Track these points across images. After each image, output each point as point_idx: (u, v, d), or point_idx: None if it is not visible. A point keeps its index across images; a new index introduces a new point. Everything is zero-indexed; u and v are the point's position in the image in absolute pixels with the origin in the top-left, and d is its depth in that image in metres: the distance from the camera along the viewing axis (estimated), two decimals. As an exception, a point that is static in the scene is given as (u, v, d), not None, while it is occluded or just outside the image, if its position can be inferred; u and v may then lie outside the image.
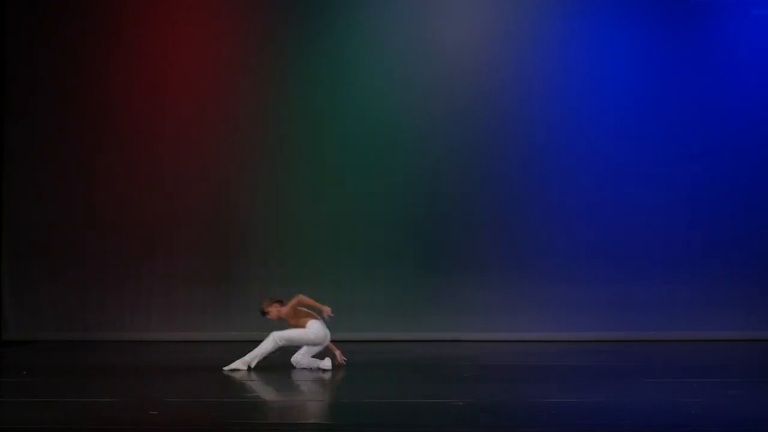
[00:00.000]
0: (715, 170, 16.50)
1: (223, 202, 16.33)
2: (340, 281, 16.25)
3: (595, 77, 16.50)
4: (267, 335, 12.63)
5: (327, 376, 12.37)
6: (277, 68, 16.45)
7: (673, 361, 14.08)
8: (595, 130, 16.46)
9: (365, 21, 16.51)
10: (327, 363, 12.75)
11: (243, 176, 16.36)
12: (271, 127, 16.45)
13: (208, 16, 16.53)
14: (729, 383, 11.56)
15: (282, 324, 12.78)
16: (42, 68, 16.29)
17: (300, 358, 12.77)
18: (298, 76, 16.46)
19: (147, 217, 16.29)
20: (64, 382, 11.76)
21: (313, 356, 12.85)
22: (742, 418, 9.51)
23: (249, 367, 12.55)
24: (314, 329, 12.66)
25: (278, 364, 12.78)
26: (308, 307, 12.70)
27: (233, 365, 12.57)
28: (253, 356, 12.59)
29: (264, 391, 11.61)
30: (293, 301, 12.67)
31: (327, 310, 12.63)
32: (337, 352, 12.96)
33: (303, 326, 12.68)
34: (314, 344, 12.73)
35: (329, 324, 12.79)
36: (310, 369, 12.69)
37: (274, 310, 12.76)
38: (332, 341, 13.00)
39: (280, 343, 12.59)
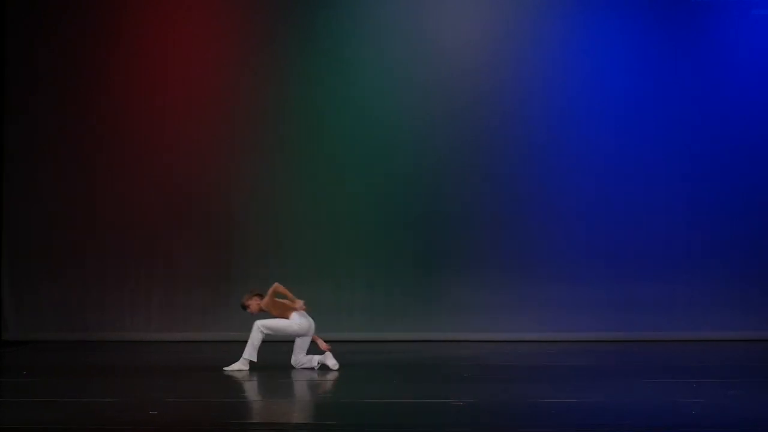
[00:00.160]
0: (715, 170, 16.50)
1: (224, 202, 16.34)
2: (340, 281, 16.26)
3: (595, 77, 16.50)
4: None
5: (330, 374, 12.37)
6: (277, 68, 16.45)
7: (673, 361, 14.09)
8: (595, 130, 16.46)
9: (365, 21, 16.51)
10: (331, 360, 12.73)
11: (243, 176, 16.36)
12: (271, 127, 16.45)
13: (208, 16, 16.53)
14: (729, 383, 11.56)
15: (265, 316, 12.77)
16: (42, 68, 16.29)
17: (299, 358, 12.76)
18: (298, 76, 16.46)
19: (147, 217, 16.30)
20: (65, 382, 11.77)
21: (310, 354, 12.84)
22: (743, 418, 9.52)
23: (250, 363, 12.55)
24: (297, 320, 12.64)
25: (279, 364, 12.78)
26: (282, 296, 12.67)
27: (233, 366, 12.57)
28: (249, 351, 12.59)
29: (264, 391, 11.62)
30: (270, 291, 12.64)
31: (300, 303, 12.62)
32: (320, 342, 12.90)
33: (287, 317, 12.67)
34: (298, 335, 12.68)
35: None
36: (312, 368, 12.68)
37: (254, 304, 12.76)
38: (335, 341, 12.99)
39: (265, 331, 12.59)
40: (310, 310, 12.71)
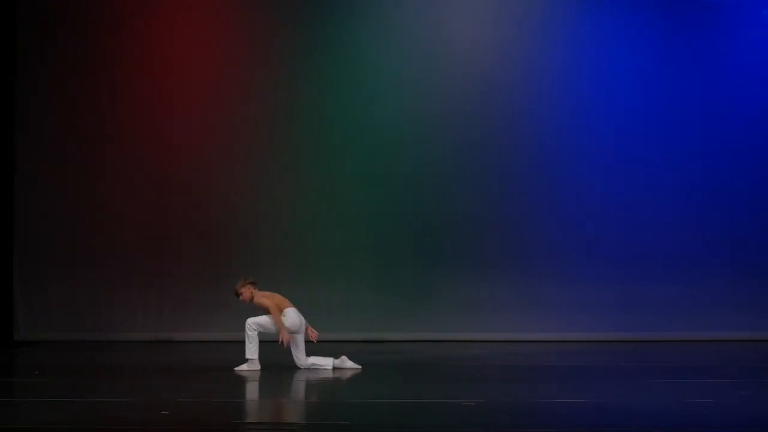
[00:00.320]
0: (721, 170, 16.47)
1: (232, 203, 16.35)
2: (345, 281, 16.27)
3: (604, 78, 16.49)
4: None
5: (339, 374, 12.39)
6: (285, 69, 16.46)
7: (679, 362, 14.09)
8: (603, 131, 16.45)
9: (373, 21, 16.51)
10: (348, 362, 12.73)
11: (250, 177, 16.37)
12: (278, 128, 16.46)
13: (215, 17, 16.55)
14: (739, 383, 11.56)
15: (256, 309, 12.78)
16: (52, 72, 16.33)
17: (301, 358, 12.71)
18: (304, 76, 16.47)
19: (156, 218, 16.32)
20: (75, 382, 11.79)
21: (309, 354, 12.84)
22: (754, 418, 9.51)
23: (258, 362, 12.56)
24: (289, 317, 12.65)
25: (289, 365, 12.79)
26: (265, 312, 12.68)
27: (244, 367, 12.58)
28: (250, 351, 12.58)
29: (275, 390, 11.63)
30: (267, 302, 12.63)
31: (285, 336, 12.55)
32: (309, 330, 12.90)
33: (280, 313, 12.66)
34: (290, 332, 12.68)
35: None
36: (323, 368, 12.67)
37: (247, 292, 12.74)
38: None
39: (256, 329, 12.58)
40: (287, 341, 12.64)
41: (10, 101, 16.29)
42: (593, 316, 16.17)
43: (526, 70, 16.52)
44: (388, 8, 16.53)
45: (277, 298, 12.77)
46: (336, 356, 12.81)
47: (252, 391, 11.62)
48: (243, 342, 12.61)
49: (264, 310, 12.66)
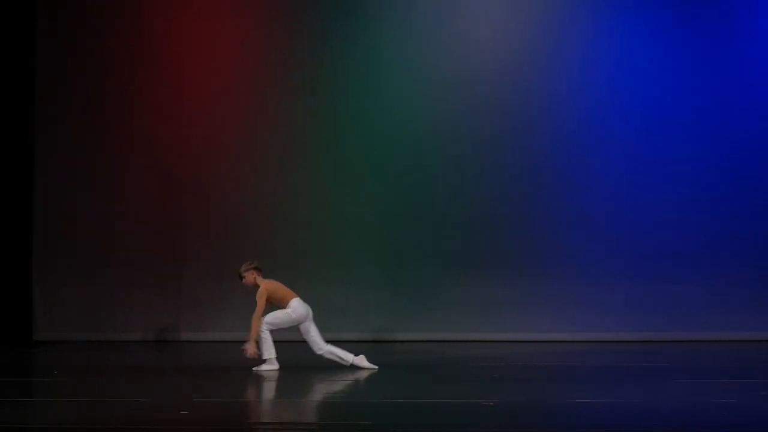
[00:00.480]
0: (739, 169, 16.40)
1: (248, 203, 16.36)
2: (361, 281, 16.27)
3: (620, 78, 16.44)
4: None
5: (357, 374, 12.39)
6: (300, 68, 16.45)
7: (699, 362, 14.08)
8: (619, 130, 16.40)
9: (388, 20, 16.49)
10: (365, 362, 12.75)
11: (267, 178, 16.38)
12: (294, 129, 16.45)
13: (231, 17, 16.57)
14: (757, 384, 11.52)
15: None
16: (71, 73, 16.36)
17: (320, 343, 12.71)
18: (320, 76, 16.47)
19: (175, 218, 16.35)
20: (94, 382, 11.82)
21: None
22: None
23: (276, 362, 12.58)
24: (295, 308, 12.65)
25: (307, 364, 12.81)
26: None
27: (262, 367, 12.60)
28: (267, 350, 12.61)
29: (293, 390, 11.64)
30: (260, 302, 12.61)
31: (251, 348, 12.56)
32: None
33: (284, 306, 12.68)
34: (298, 323, 12.69)
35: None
36: (341, 360, 12.68)
37: (251, 277, 12.78)
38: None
39: (267, 328, 12.60)
40: (253, 353, 12.62)
41: (29, 102, 16.33)
42: (609, 315, 16.14)
43: (541, 70, 16.48)
44: (405, 7, 16.51)
45: (281, 288, 12.78)
46: (356, 354, 12.82)
47: (270, 391, 11.64)
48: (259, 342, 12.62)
49: (274, 301, 12.67)
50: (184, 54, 16.43)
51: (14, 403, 10.39)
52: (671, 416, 9.59)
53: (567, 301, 16.19)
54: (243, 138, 16.45)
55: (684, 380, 11.94)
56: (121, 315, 16.24)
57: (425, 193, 16.41)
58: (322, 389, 11.80)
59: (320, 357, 12.73)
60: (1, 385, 11.61)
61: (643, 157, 16.41)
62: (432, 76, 16.42)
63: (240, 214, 16.37)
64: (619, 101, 16.45)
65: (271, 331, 12.63)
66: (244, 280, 12.82)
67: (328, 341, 12.81)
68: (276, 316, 12.66)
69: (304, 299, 12.78)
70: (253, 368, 12.59)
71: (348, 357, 12.75)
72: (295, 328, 12.74)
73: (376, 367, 12.69)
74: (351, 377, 12.26)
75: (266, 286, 12.74)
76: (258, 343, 12.59)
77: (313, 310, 12.83)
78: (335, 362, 12.71)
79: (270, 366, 12.59)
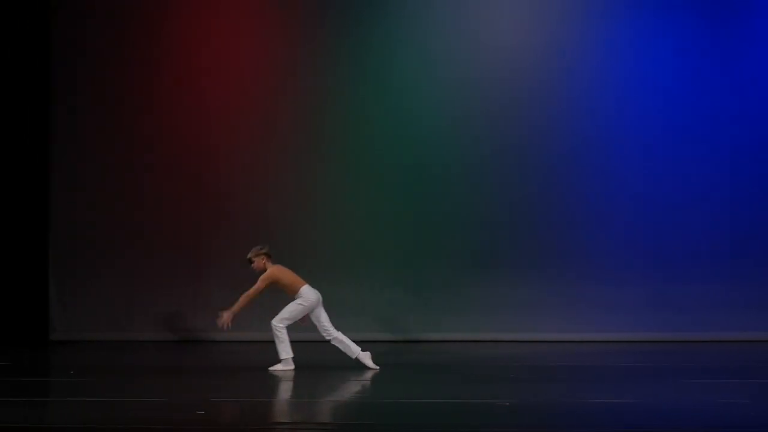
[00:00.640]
0: (756, 169, 16.34)
1: (265, 203, 16.35)
2: (377, 281, 16.26)
3: (639, 79, 16.40)
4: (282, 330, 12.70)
5: (371, 374, 12.40)
6: (317, 68, 16.44)
7: (714, 362, 14.04)
8: (637, 131, 16.35)
9: (405, 21, 16.47)
10: (369, 360, 12.75)
11: (285, 178, 16.36)
12: (312, 129, 16.43)
13: (249, 17, 16.58)
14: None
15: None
16: (86, 71, 16.38)
17: (329, 329, 12.71)
18: (337, 76, 16.45)
19: (191, 218, 16.36)
20: (111, 382, 11.85)
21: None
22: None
23: (292, 362, 12.60)
24: (306, 296, 12.67)
25: (323, 364, 12.82)
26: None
27: (278, 367, 12.62)
28: (284, 350, 12.63)
29: (309, 390, 11.65)
30: (259, 285, 12.66)
31: (226, 317, 12.63)
32: None
33: (294, 293, 12.69)
34: (310, 311, 12.70)
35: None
36: (347, 350, 12.69)
37: (260, 262, 12.81)
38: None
39: (283, 324, 12.62)
40: (226, 323, 12.68)
41: (45, 101, 16.36)
42: (627, 315, 16.08)
43: (558, 71, 16.43)
44: (422, 8, 16.50)
45: (289, 274, 12.79)
46: (363, 349, 12.83)
47: (286, 391, 11.65)
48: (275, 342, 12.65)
49: (284, 284, 12.70)
50: (199, 53, 16.43)
51: (31, 403, 10.43)
52: (687, 417, 9.58)
53: (584, 302, 16.14)
54: (260, 137, 16.46)
55: (700, 381, 11.92)
56: (138, 315, 16.26)
57: (441, 193, 16.37)
58: (338, 389, 11.81)
59: (331, 359, 12.74)
60: (18, 385, 11.64)
61: (661, 157, 16.35)
62: (449, 75, 16.39)
63: (257, 213, 16.37)
64: (636, 101, 16.40)
65: (287, 326, 12.63)
66: (253, 265, 12.84)
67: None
68: (289, 311, 12.68)
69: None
70: (269, 368, 12.61)
71: (355, 350, 12.75)
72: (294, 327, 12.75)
73: (378, 367, 12.68)
74: (366, 377, 12.27)
75: (274, 271, 12.76)
76: (281, 344, 12.58)
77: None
78: (341, 351, 12.72)
79: (286, 366, 12.61)
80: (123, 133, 16.40)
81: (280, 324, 12.62)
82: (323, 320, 12.73)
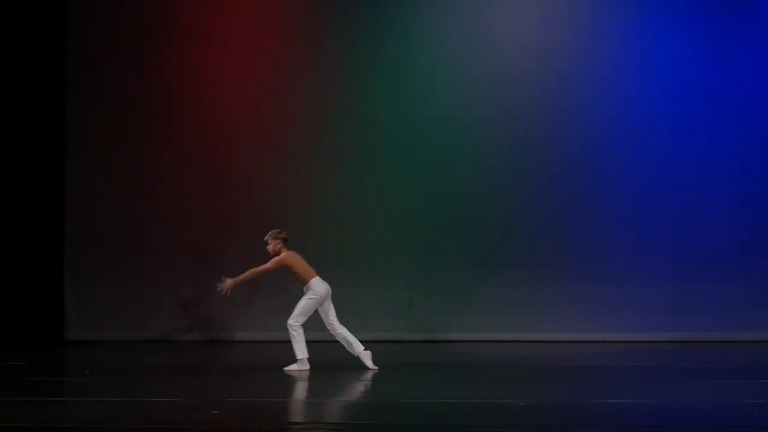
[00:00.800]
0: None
1: (281, 203, 16.37)
2: (394, 281, 16.27)
3: (655, 77, 16.38)
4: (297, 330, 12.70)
5: (386, 374, 12.40)
6: (335, 68, 16.46)
7: (730, 362, 14.00)
8: (653, 130, 16.34)
9: (424, 21, 16.47)
10: (369, 360, 12.75)
11: (301, 178, 16.36)
12: (329, 129, 16.46)
13: (266, 17, 16.60)
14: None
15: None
16: (102, 66, 16.41)
17: (334, 324, 12.74)
18: (355, 76, 16.48)
19: (205, 219, 16.38)
20: (126, 382, 11.87)
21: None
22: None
23: (307, 362, 12.61)
24: (316, 289, 12.69)
25: (339, 364, 12.82)
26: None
27: (293, 367, 12.63)
28: (299, 350, 12.64)
29: (324, 390, 11.66)
30: (268, 265, 12.75)
31: (228, 283, 12.74)
32: None
33: (304, 283, 12.71)
34: (321, 303, 12.72)
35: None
36: (348, 346, 12.70)
37: (275, 246, 12.86)
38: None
39: (298, 323, 12.63)
40: (226, 290, 12.76)
41: (60, 104, 16.42)
42: (645, 316, 16.06)
43: (572, 71, 16.43)
44: (436, 8, 16.49)
45: (302, 263, 12.82)
46: (366, 348, 12.82)
47: (301, 391, 11.65)
48: (291, 342, 12.66)
49: (296, 271, 12.73)
50: (215, 54, 16.45)
51: (47, 403, 10.45)
52: (705, 417, 9.56)
53: (603, 302, 16.12)
54: (275, 138, 16.47)
55: (717, 380, 11.89)
56: (153, 315, 16.29)
57: (458, 193, 16.37)
58: (352, 389, 11.82)
59: (345, 359, 12.75)
60: (34, 384, 11.67)
61: (671, 157, 16.33)
62: (465, 76, 16.39)
63: (272, 214, 16.36)
64: (651, 101, 16.38)
65: (302, 324, 12.63)
66: (268, 247, 12.88)
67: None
68: (301, 308, 12.69)
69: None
70: (284, 368, 12.62)
71: (358, 348, 12.76)
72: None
73: (377, 368, 12.67)
74: (380, 377, 12.26)
75: (287, 256, 12.80)
76: (297, 344, 12.60)
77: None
78: (344, 346, 12.74)
79: (301, 366, 12.62)
80: (137, 135, 16.43)
81: (295, 323, 12.64)
82: (330, 314, 12.77)
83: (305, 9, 16.56)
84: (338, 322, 12.76)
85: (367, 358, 12.74)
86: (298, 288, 12.92)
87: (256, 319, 16.18)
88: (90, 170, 16.43)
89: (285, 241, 12.88)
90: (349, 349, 12.75)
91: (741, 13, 16.43)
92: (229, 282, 12.73)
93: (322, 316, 12.79)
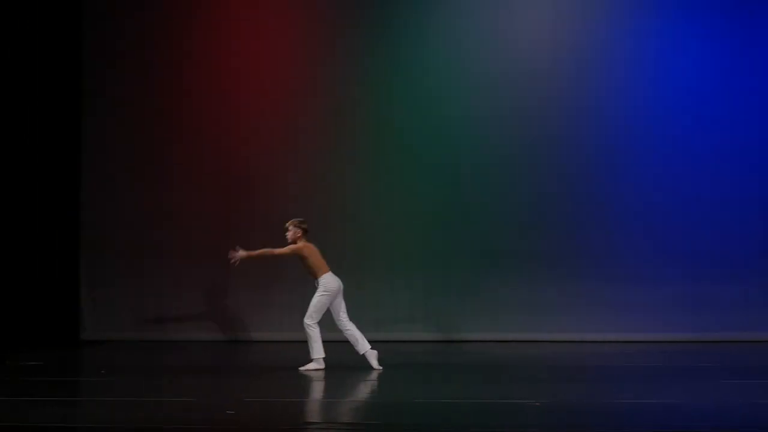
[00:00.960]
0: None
1: (301, 203, 16.31)
2: (409, 281, 16.25)
3: (669, 76, 16.34)
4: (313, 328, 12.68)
5: (400, 374, 12.39)
6: (350, 68, 16.44)
7: (749, 362, 13.95)
8: (669, 129, 16.30)
9: (440, 20, 16.45)
10: (374, 360, 12.72)
11: (317, 177, 16.35)
12: (344, 129, 16.45)
13: (281, 16, 16.59)
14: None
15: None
16: (118, 67, 16.44)
17: (343, 320, 12.73)
18: (370, 75, 16.46)
19: (222, 217, 16.38)
20: (141, 382, 11.88)
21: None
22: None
23: (323, 362, 12.60)
24: (328, 286, 12.67)
25: (354, 364, 12.81)
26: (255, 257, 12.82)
27: (309, 366, 12.62)
28: (315, 349, 12.63)
29: (339, 390, 11.65)
30: (282, 249, 12.77)
31: (241, 253, 12.71)
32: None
33: (316, 276, 12.71)
34: (333, 299, 12.71)
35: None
36: (355, 344, 12.69)
37: (294, 233, 12.85)
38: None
39: (313, 322, 12.62)
40: (236, 260, 12.73)
41: (77, 101, 16.44)
42: (665, 316, 16.01)
43: (590, 69, 16.40)
44: (451, 7, 16.47)
45: (317, 256, 12.81)
46: (373, 348, 12.80)
47: (317, 390, 11.64)
48: (307, 342, 12.66)
49: (310, 263, 12.72)
50: (232, 51, 16.44)
51: (62, 403, 10.47)
52: (721, 417, 9.52)
53: (619, 302, 16.08)
54: (291, 138, 16.45)
55: (734, 381, 11.84)
56: (168, 314, 16.30)
57: (474, 193, 16.34)
58: (368, 389, 11.80)
59: (361, 358, 12.74)
60: (49, 384, 11.69)
61: (695, 156, 16.28)
62: (480, 76, 16.36)
63: (289, 214, 16.32)
64: (666, 101, 16.33)
65: (317, 322, 12.62)
66: (287, 234, 12.89)
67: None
68: (315, 305, 12.68)
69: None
70: (300, 368, 12.61)
71: (365, 346, 12.74)
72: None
73: (381, 368, 12.64)
74: (395, 377, 12.25)
75: (303, 246, 12.81)
76: (313, 344, 12.60)
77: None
78: (351, 343, 12.73)
79: (317, 366, 12.61)
80: (154, 133, 16.44)
81: (311, 321, 12.63)
82: (341, 311, 12.76)
83: (321, 11, 16.53)
84: (348, 319, 12.76)
85: (372, 357, 12.72)
86: (315, 288, 12.91)
87: (273, 319, 16.16)
88: (106, 171, 16.44)
89: (305, 232, 12.88)
90: (355, 347, 12.74)
91: (759, 13, 16.36)
92: (242, 253, 12.74)
93: (333, 312, 12.78)
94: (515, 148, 16.34)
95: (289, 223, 12.92)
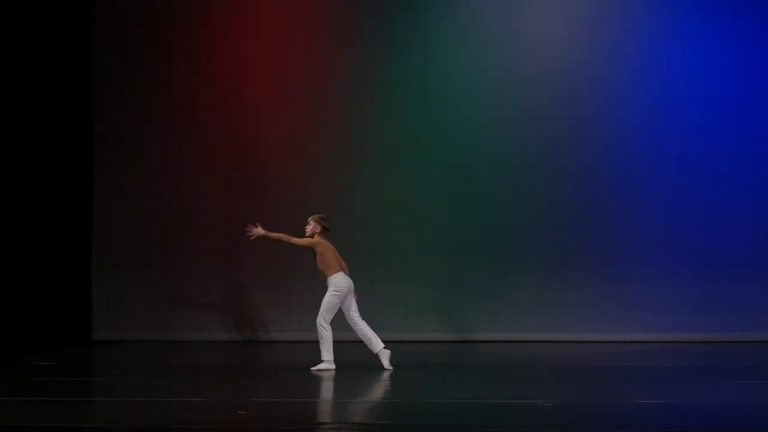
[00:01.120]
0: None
1: (313, 203, 16.26)
2: (421, 280, 16.25)
3: (681, 77, 16.34)
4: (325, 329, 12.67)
5: (412, 374, 12.38)
6: (365, 68, 16.46)
7: (761, 363, 13.90)
8: (685, 128, 16.30)
9: (455, 20, 16.45)
10: (386, 360, 12.70)
11: (330, 177, 16.36)
12: (358, 128, 16.46)
13: (296, 17, 16.59)
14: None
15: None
16: (131, 67, 16.46)
17: (355, 319, 12.72)
18: (385, 76, 16.47)
19: (234, 218, 16.33)
20: (153, 382, 11.88)
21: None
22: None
23: (334, 362, 12.59)
24: (338, 285, 12.66)
25: (365, 365, 12.80)
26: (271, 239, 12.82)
27: (320, 366, 12.62)
28: (327, 350, 12.63)
29: (350, 390, 11.63)
30: (300, 239, 12.77)
31: (259, 230, 12.72)
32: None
33: (326, 273, 12.70)
34: (344, 298, 12.70)
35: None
36: (368, 343, 12.67)
37: (313, 226, 12.86)
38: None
39: (326, 321, 12.63)
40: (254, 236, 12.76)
41: (89, 102, 16.47)
42: (674, 316, 16.00)
43: (602, 69, 16.41)
44: (465, 7, 16.45)
45: (332, 254, 12.80)
46: (386, 347, 12.78)
47: (327, 391, 11.64)
48: (319, 342, 12.65)
49: (325, 259, 12.72)
50: (244, 55, 16.46)
51: (73, 403, 10.47)
52: (721, 417, 9.49)
53: (633, 302, 16.07)
54: (304, 139, 16.46)
55: (734, 381, 11.83)
56: (180, 315, 16.31)
57: (487, 194, 16.35)
58: (379, 389, 11.79)
59: (372, 359, 12.74)
60: (60, 384, 11.70)
61: (700, 156, 16.28)
62: (496, 75, 16.38)
63: (301, 214, 16.30)
64: (681, 101, 16.32)
65: (329, 322, 12.61)
66: (307, 227, 12.90)
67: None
68: (326, 305, 12.67)
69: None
70: (311, 368, 12.61)
71: (378, 345, 12.73)
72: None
73: (391, 368, 12.62)
74: (407, 377, 12.24)
75: (321, 241, 12.81)
76: (324, 344, 12.59)
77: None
78: (363, 341, 12.72)
79: (327, 366, 12.60)
80: (166, 134, 16.47)
81: (324, 321, 12.64)
82: (352, 310, 12.75)
83: (336, 14, 16.54)
84: (359, 318, 12.74)
85: (385, 357, 12.70)
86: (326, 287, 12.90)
87: (285, 319, 16.17)
88: (118, 171, 16.47)
89: (325, 229, 12.86)
90: (368, 346, 12.73)
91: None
92: (260, 230, 12.74)
93: (344, 310, 12.77)
94: (530, 149, 16.34)
95: (312, 217, 12.93)
